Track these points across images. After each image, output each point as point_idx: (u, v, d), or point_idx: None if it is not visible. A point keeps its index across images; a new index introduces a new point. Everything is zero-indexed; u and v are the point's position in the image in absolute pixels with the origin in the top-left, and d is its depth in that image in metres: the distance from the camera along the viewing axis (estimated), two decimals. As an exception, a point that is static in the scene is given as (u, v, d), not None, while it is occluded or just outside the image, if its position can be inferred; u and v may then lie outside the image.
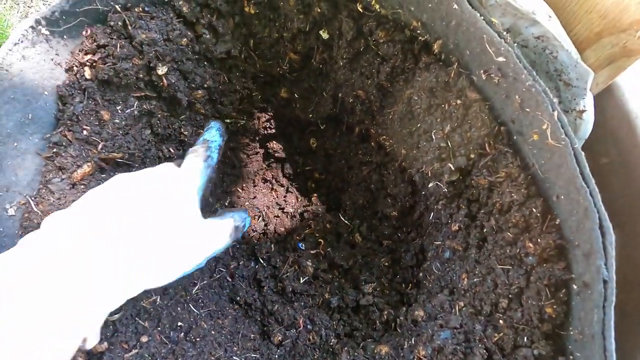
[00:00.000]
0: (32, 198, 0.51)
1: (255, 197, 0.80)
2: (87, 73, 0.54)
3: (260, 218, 0.79)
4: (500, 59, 0.41)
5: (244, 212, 0.59)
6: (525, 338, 0.43)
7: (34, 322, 0.35)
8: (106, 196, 0.45)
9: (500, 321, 0.45)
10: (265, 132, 0.80)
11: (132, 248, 0.42)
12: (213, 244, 0.51)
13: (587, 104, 0.49)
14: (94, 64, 0.53)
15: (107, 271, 0.40)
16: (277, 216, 0.80)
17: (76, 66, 0.53)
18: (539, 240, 0.43)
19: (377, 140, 0.72)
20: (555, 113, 0.38)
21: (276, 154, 0.82)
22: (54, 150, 0.53)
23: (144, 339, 0.52)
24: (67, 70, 0.53)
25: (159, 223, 0.45)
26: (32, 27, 0.49)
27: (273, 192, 0.82)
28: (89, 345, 0.42)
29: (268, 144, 0.82)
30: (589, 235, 0.37)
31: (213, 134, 0.58)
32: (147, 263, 0.43)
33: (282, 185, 0.82)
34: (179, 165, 0.53)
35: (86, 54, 0.53)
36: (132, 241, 0.42)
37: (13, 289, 0.35)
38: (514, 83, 0.41)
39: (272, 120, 0.79)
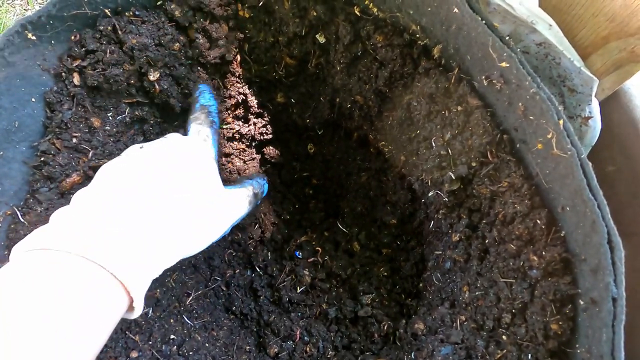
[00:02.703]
0: (19, 208, 0.50)
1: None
2: (76, 79, 0.52)
3: (257, 225, 0.77)
4: (503, 64, 0.39)
5: (262, 178, 0.61)
6: (530, 355, 0.41)
7: (82, 286, 0.35)
8: (130, 172, 0.45)
9: (504, 337, 0.44)
10: (262, 137, 0.78)
11: (167, 220, 0.43)
12: (236, 211, 0.52)
13: (593, 110, 0.47)
14: (83, 69, 0.52)
15: (147, 240, 0.41)
16: (274, 223, 0.78)
17: (64, 72, 0.51)
18: (543, 253, 0.42)
19: (375, 146, 0.70)
20: (561, 122, 0.36)
21: (273, 160, 0.81)
22: (42, 158, 0.51)
23: (134, 354, 0.50)
24: (55, 77, 0.52)
25: (188, 195, 0.46)
26: (17, 31, 0.47)
27: (270, 199, 0.80)
28: (135, 314, 0.41)
29: (264, 149, 0.80)
30: (596, 250, 0.36)
31: (207, 98, 0.57)
32: (182, 233, 0.44)
33: (279, 192, 0.81)
34: (186, 133, 0.54)
35: (75, 59, 0.51)
36: (166, 213, 0.43)
37: (59, 261, 0.36)
38: (517, 90, 0.40)
39: (268, 126, 0.77)
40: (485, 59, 0.42)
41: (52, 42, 0.50)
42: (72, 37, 0.51)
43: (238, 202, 0.53)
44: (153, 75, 0.55)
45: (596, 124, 0.47)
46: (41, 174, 0.51)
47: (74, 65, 0.51)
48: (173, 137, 0.51)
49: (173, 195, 0.44)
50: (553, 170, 0.40)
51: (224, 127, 0.70)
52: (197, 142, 0.51)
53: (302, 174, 0.81)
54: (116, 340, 0.50)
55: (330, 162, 0.78)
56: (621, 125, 0.48)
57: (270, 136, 0.79)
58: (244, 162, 0.80)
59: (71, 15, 0.49)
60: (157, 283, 0.58)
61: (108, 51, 0.51)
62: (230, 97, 0.65)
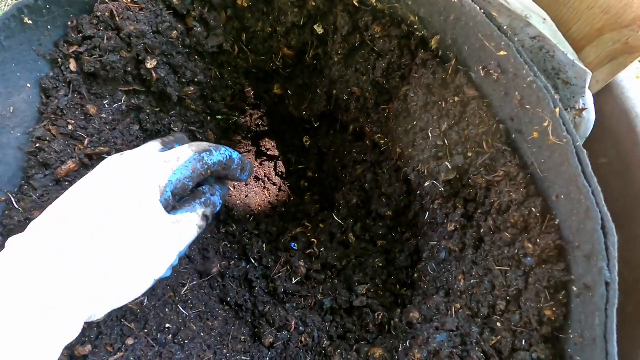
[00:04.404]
0: (14, 195, 0.49)
1: (247, 196, 0.79)
2: (72, 65, 0.52)
3: (252, 217, 0.77)
4: (501, 53, 0.39)
5: (217, 195, 0.51)
6: (524, 341, 0.42)
7: None
8: (62, 210, 0.41)
9: (498, 324, 0.44)
10: (258, 129, 0.78)
11: (85, 265, 0.38)
12: (177, 243, 0.45)
13: (587, 102, 0.48)
14: (80, 56, 0.51)
15: (58, 297, 0.36)
16: (270, 215, 0.78)
17: (61, 58, 0.51)
18: (538, 240, 0.42)
19: (371, 139, 0.70)
20: (557, 110, 0.37)
21: (269, 152, 0.81)
22: (37, 145, 0.51)
23: (130, 341, 0.50)
24: (51, 62, 0.51)
25: (113, 232, 0.40)
26: (14, 15, 0.47)
27: (265, 191, 0.80)
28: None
29: (260, 141, 0.80)
30: (590, 237, 0.36)
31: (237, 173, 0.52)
32: (105, 279, 0.39)
33: (274, 184, 0.81)
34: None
35: (71, 45, 0.51)
36: (84, 257, 0.38)
37: None
38: (514, 79, 0.40)
39: (264, 118, 0.77)
40: (483, 49, 0.43)
41: (49, 27, 0.50)
42: (69, 23, 0.50)
43: (184, 231, 0.45)
44: (150, 63, 0.54)
45: (590, 115, 0.48)
46: (36, 160, 0.51)
47: (71, 51, 0.51)
48: (109, 166, 0.45)
49: (98, 237, 0.39)
50: (548, 158, 0.40)
51: (220, 117, 0.70)
52: (137, 165, 0.44)
53: (298, 167, 0.81)
54: (112, 328, 0.50)
55: (326, 154, 0.79)
56: (613, 118, 0.49)
57: (267, 128, 0.79)
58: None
59: (68, 1, 0.49)
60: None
61: (105, 37, 0.51)
62: (226, 87, 0.65)
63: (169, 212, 0.45)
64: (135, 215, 0.41)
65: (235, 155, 0.53)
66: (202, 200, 0.49)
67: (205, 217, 0.49)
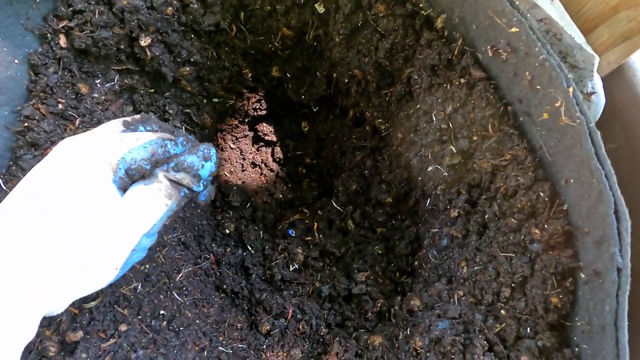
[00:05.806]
0: (1, 176, 0.47)
1: (243, 182, 0.77)
2: (62, 41, 0.49)
3: (249, 204, 0.75)
4: (513, 30, 0.38)
5: (199, 155, 0.42)
6: (529, 329, 0.41)
7: None
8: (14, 200, 0.37)
9: (502, 311, 0.43)
10: (255, 113, 0.76)
11: (37, 255, 0.35)
12: (136, 224, 0.38)
13: (596, 86, 0.47)
14: (70, 31, 0.49)
15: (10, 292, 0.33)
16: (267, 202, 0.77)
17: (50, 33, 0.49)
18: (545, 226, 0.41)
19: (372, 124, 0.69)
20: (571, 89, 0.35)
21: (266, 137, 0.79)
22: (26, 124, 0.48)
23: (123, 327, 0.48)
24: (40, 38, 0.49)
25: (63, 218, 0.36)
26: (-1, -14, 0.44)
27: (262, 177, 0.79)
28: None
29: (258, 126, 0.78)
30: (602, 221, 0.35)
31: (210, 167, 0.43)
32: (59, 269, 0.35)
33: (271, 170, 0.79)
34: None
35: (61, 19, 0.49)
36: (35, 247, 0.35)
37: None
38: (525, 58, 0.39)
39: (262, 101, 0.75)
40: (492, 27, 0.41)
41: (37, 0, 0.47)
42: (59, -4, 0.48)
43: (141, 209, 0.39)
44: (144, 41, 0.52)
45: (599, 99, 0.46)
46: (25, 140, 0.49)
47: (60, 26, 0.49)
48: (63, 148, 0.40)
49: (47, 222, 0.36)
50: (558, 141, 0.39)
51: (216, 100, 0.68)
52: (89, 143, 0.40)
53: (296, 153, 0.79)
54: (104, 313, 0.48)
55: (325, 140, 0.77)
56: (624, 101, 0.48)
57: (264, 112, 0.77)
58: (236, 138, 0.78)
59: (58, -28, 0.47)
60: (146, 258, 0.56)
61: (97, 12, 0.49)
62: (223, 68, 0.63)
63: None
64: (85, 198, 0.37)
65: (210, 155, 0.43)
66: (171, 165, 0.40)
67: (176, 186, 0.40)
